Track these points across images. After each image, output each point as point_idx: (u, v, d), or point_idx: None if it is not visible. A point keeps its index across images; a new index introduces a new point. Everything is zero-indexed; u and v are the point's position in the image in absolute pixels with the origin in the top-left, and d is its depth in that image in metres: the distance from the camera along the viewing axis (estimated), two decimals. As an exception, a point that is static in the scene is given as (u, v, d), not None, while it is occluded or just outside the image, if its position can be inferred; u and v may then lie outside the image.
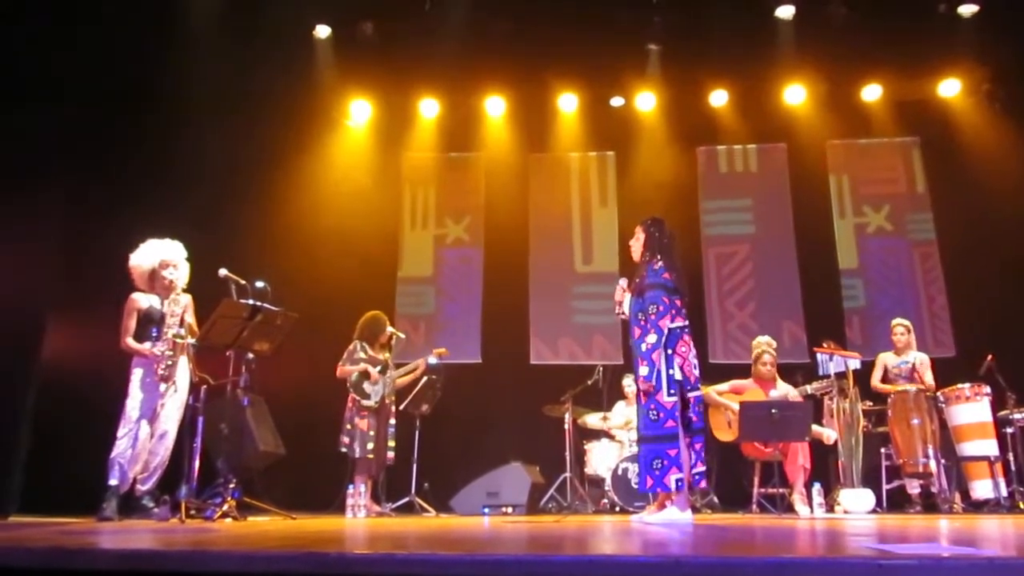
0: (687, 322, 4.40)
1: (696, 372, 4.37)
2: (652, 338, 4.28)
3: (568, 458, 6.85)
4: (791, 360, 7.39)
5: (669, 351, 4.26)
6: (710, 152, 8.95)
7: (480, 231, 8.84)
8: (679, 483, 4.12)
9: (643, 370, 4.27)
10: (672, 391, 4.21)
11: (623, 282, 4.62)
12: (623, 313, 4.60)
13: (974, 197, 7.90)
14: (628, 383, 7.02)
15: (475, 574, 1.79)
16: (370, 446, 5.96)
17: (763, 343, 6.46)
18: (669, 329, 4.29)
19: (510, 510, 6.35)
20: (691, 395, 4.29)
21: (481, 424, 7.86)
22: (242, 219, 7.35)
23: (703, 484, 4.50)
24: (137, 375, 4.90)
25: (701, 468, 4.33)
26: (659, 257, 4.47)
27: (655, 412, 4.22)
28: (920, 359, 6.51)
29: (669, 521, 4.07)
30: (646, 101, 8.67)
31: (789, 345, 7.82)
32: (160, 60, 6.75)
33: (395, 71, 8.16)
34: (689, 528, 3.55)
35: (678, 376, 4.24)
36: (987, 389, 6.21)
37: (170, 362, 4.91)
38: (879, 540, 2.59)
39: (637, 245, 4.67)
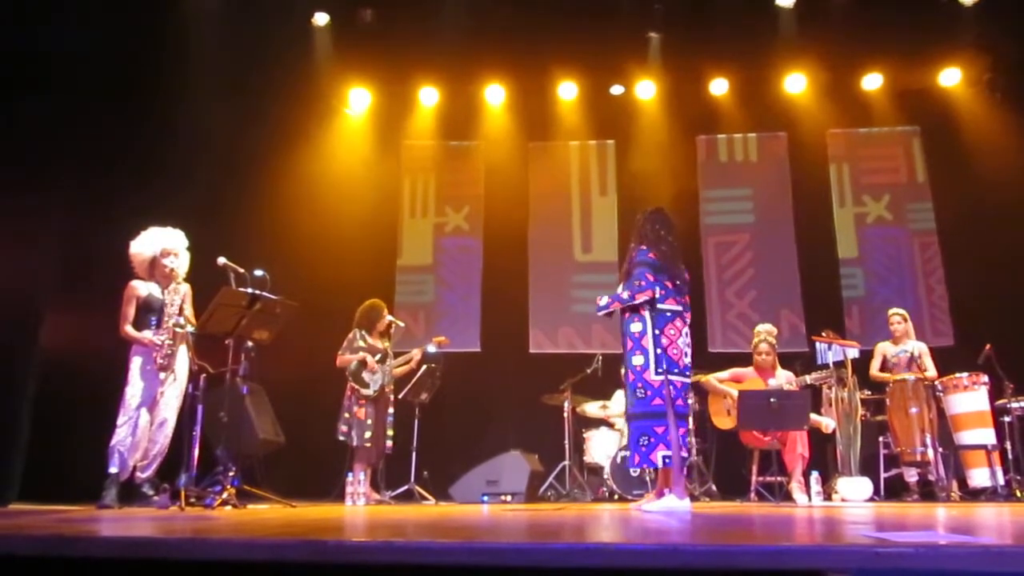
0: (681, 308, 4.38)
1: (686, 359, 4.34)
2: (636, 326, 4.32)
3: (567, 446, 6.88)
4: (790, 349, 7.41)
5: (657, 331, 4.27)
6: (710, 141, 8.93)
7: (480, 220, 8.83)
8: (666, 460, 4.16)
9: (637, 359, 4.29)
10: (660, 369, 4.22)
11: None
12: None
13: (974, 187, 7.90)
14: (627, 372, 7.03)
15: (474, 562, 1.80)
16: (367, 434, 5.98)
17: (763, 332, 6.46)
18: (656, 309, 4.29)
19: (509, 498, 6.37)
20: (676, 379, 4.26)
21: (480, 413, 7.88)
22: (241, 207, 7.33)
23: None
24: (136, 363, 4.90)
25: (683, 454, 4.33)
26: (649, 243, 4.48)
27: (642, 390, 4.25)
28: (919, 348, 6.53)
29: (668, 509, 4.09)
30: (646, 89, 8.64)
31: (788, 334, 7.83)
32: (159, 49, 6.73)
33: (394, 59, 8.13)
34: (688, 516, 3.56)
35: (664, 360, 4.24)
36: (985, 378, 6.23)
37: (169, 351, 4.91)
38: (876, 528, 2.60)
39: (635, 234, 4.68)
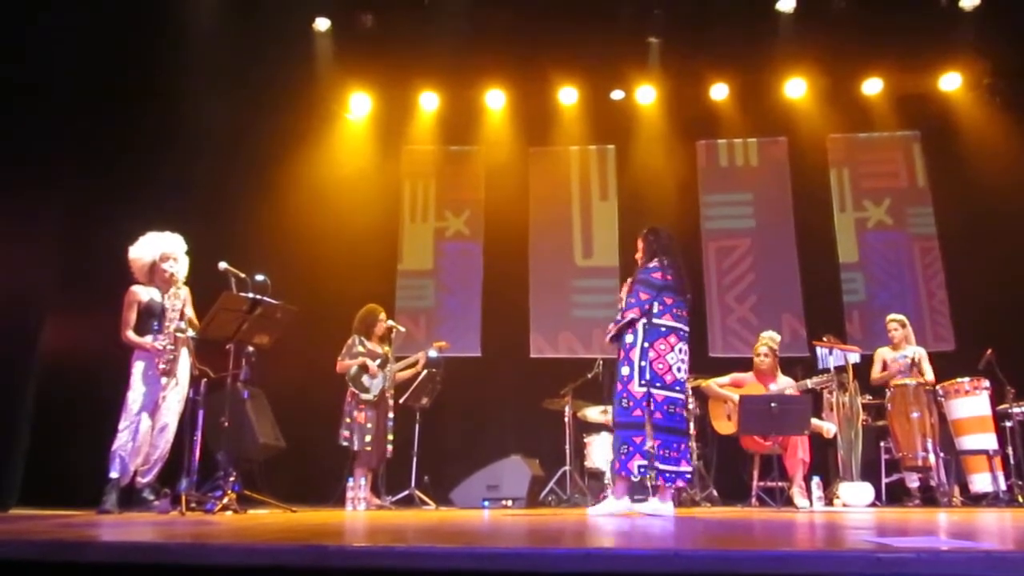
0: (679, 325, 4.47)
1: (676, 375, 4.40)
2: (629, 338, 4.45)
3: (568, 451, 6.86)
4: (791, 354, 7.39)
5: (646, 344, 4.38)
6: (710, 146, 8.93)
7: (480, 225, 8.83)
8: (641, 470, 4.30)
9: (624, 370, 4.43)
10: (643, 381, 4.34)
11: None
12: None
13: (974, 191, 7.89)
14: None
15: (474, 567, 1.80)
16: (367, 439, 5.97)
17: (765, 338, 6.47)
18: (651, 323, 4.40)
19: (510, 503, 6.36)
20: (660, 393, 4.34)
21: (481, 417, 7.87)
22: (242, 212, 7.35)
23: (679, 483, 4.51)
24: (139, 368, 4.88)
25: (687, 468, 4.44)
26: (656, 260, 4.59)
27: (626, 400, 4.39)
28: (918, 353, 6.52)
29: (608, 512, 4.28)
30: (646, 94, 8.64)
31: (789, 339, 7.81)
32: (159, 54, 6.74)
33: (395, 64, 8.14)
34: (624, 517, 3.76)
35: (648, 371, 4.34)
36: (986, 383, 6.21)
37: (171, 356, 4.89)
38: (878, 533, 2.60)
39: (639, 255, 4.79)
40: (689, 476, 4.54)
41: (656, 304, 4.42)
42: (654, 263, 4.58)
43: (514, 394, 7.84)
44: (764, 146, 8.89)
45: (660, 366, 4.36)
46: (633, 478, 4.32)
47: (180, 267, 5.09)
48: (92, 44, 6.27)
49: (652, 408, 4.32)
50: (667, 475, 4.33)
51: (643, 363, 4.35)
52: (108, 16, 6.31)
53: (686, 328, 4.52)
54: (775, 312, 8.21)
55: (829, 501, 5.94)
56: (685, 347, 4.49)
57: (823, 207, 8.59)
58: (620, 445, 4.39)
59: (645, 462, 4.29)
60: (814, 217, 8.51)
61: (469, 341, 8.32)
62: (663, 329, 4.42)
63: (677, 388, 4.41)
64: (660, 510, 4.31)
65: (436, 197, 8.99)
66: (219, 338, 4.83)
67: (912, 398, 6.20)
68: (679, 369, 4.42)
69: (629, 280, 4.67)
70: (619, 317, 4.54)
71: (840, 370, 6.24)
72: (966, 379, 6.27)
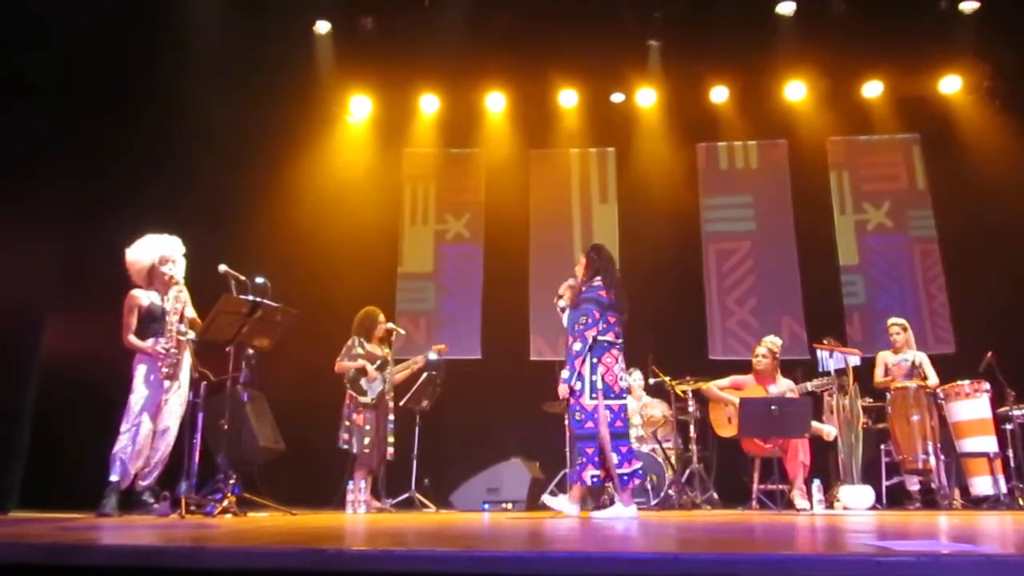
0: (619, 340, 4.72)
1: (620, 384, 4.65)
2: (577, 346, 4.64)
3: (568, 454, 6.85)
4: (791, 357, 7.38)
5: (595, 360, 4.60)
6: (710, 148, 8.94)
7: (480, 227, 8.84)
8: (594, 479, 4.51)
9: (564, 373, 4.65)
10: (593, 395, 4.56)
11: (572, 281, 4.98)
12: (561, 308, 4.92)
13: (975, 194, 7.90)
14: (635, 378, 7.00)
15: (474, 570, 1.79)
16: (366, 441, 5.96)
17: (766, 341, 6.46)
18: (596, 340, 4.61)
19: (510, 506, 6.35)
20: (614, 403, 4.57)
21: (481, 420, 7.86)
22: (242, 214, 7.35)
23: (634, 482, 4.61)
24: (141, 371, 4.86)
25: (638, 465, 4.63)
26: (599, 277, 4.80)
27: (579, 413, 4.60)
28: (919, 357, 6.51)
29: (614, 516, 4.37)
30: (647, 97, 8.65)
31: (789, 342, 7.80)
32: (159, 54, 6.74)
33: (395, 67, 8.15)
34: (634, 523, 3.81)
35: (599, 384, 4.57)
36: (987, 386, 6.21)
37: (175, 360, 4.87)
38: (878, 537, 2.59)
39: (579, 270, 5.00)
40: (642, 472, 4.78)
41: (602, 322, 4.64)
42: (598, 281, 4.77)
43: (514, 396, 7.83)
44: (764, 148, 8.89)
45: (610, 378, 4.61)
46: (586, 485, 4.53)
47: (178, 269, 5.07)
48: (92, 44, 6.26)
49: (611, 418, 4.53)
50: (631, 475, 4.53)
51: (594, 377, 4.58)
52: (108, 16, 6.31)
53: (622, 342, 4.75)
54: (775, 315, 8.21)
55: (829, 504, 5.93)
56: (622, 358, 4.73)
57: (823, 209, 8.60)
58: (576, 457, 4.63)
59: (597, 472, 4.49)
60: (814, 219, 8.52)
61: (469, 344, 8.32)
62: (606, 344, 4.64)
63: (624, 396, 4.68)
64: (623, 514, 4.44)
65: (436, 199, 8.99)
66: (219, 341, 4.82)
67: (912, 401, 6.20)
68: (622, 379, 4.68)
69: (578, 295, 4.78)
70: (574, 346, 4.63)
71: (840, 373, 6.24)
72: (966, 382, 6.27)
